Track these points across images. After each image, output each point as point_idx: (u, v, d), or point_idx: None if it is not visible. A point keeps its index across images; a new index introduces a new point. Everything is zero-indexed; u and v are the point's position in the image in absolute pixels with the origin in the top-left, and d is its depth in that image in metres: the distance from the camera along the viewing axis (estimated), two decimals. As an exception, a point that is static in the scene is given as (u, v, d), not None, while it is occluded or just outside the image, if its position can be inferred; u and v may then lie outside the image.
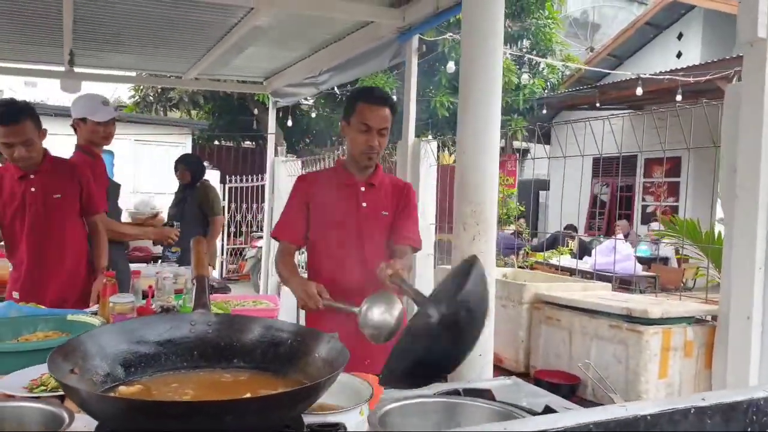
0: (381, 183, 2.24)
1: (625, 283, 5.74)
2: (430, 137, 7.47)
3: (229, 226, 10.34)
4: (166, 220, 4.53)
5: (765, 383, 1.69)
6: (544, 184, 13.05)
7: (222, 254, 9.62)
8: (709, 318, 2.30)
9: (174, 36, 4.51)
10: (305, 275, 2.29)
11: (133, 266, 3.41)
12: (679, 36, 11.76)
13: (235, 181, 10.56)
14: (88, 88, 6.03)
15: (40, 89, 19.90)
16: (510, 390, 1.70)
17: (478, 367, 2.01)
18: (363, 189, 2.20)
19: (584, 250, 7.72)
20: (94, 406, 0.89)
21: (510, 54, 10.70)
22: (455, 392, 1.52)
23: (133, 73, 7.24)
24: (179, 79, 6.19)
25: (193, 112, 12.77)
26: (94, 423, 1.04)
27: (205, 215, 4.93)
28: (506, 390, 1.68)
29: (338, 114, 11.67)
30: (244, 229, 10.60)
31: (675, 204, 10.48)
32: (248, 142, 13.63)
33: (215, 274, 8.33)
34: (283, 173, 6.74)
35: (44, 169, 2.65)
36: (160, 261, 4.40)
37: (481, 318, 1.42)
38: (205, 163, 10.74)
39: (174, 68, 5.80)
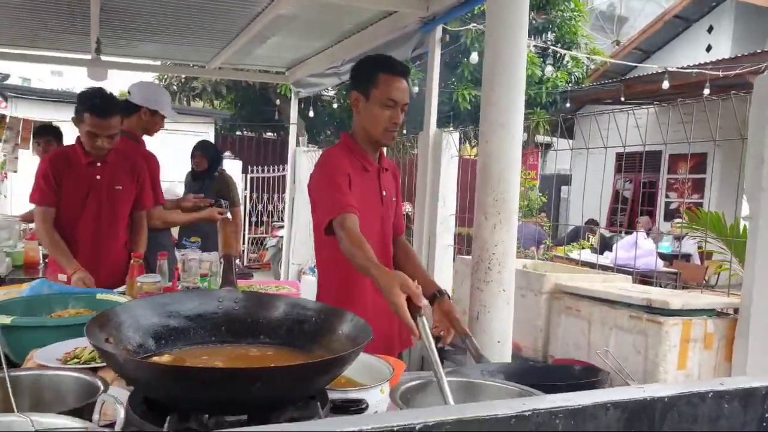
0: (388, 166, 2.10)
1: (646, 279, 5.69)
2: (451, 128, 7.47)
3: (250, 216, 10.46)
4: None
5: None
6: (566, 179, 12.93)
7: (243, 243, 9.74)
8: (730, 311, 2.28)
9: (199, 24, 4.57)
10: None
11: None
12: (710, 29, 11.51)
13: (257, 171, 10.65)
14: (114, 76, 6.14)
15: (66, 78, 20.28)
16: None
17: (497, 353, 2.03)
18: (381, 174, 2.04)
19: (605, 245, 7.66)
20: (131, 372, 0.94)
21: (534, 46, 10.61)
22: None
23: (158, 62, 7.32)
24: (203, 68, 6.27)
25: (216, 102, 12.90)
26: (126, 393, 1.09)
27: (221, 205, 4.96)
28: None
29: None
30: (265, 218, 10.71)
31: (699, 201, 10.31)
32: (269, 133, 13.73)
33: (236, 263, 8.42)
34: (304, 163, 6.79)
35: (110, 159, 2.72)
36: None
37: None
38: (227, 153, 10.87)
39: (198, 57, 5.88)
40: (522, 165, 2.28)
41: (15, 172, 6.35)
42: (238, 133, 13.21)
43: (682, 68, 8.76)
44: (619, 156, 9.16)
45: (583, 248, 7.15)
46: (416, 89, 7.20)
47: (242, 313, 1.27)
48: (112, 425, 0.95)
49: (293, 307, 1.30)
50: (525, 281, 2.76)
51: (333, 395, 1.22)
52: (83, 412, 1.01)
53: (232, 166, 9.71)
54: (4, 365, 1.00)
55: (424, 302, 1.37)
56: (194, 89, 11.90)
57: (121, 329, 1.09)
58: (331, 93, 11.28)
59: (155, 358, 1.10)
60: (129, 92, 3.30)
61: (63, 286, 2.14)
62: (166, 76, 12.07)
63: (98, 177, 2.70)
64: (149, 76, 13.78)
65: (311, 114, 9.19)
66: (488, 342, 2.03)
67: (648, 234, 7.66)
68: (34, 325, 1.73)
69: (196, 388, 0.88)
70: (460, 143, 4.34)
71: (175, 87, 12.11)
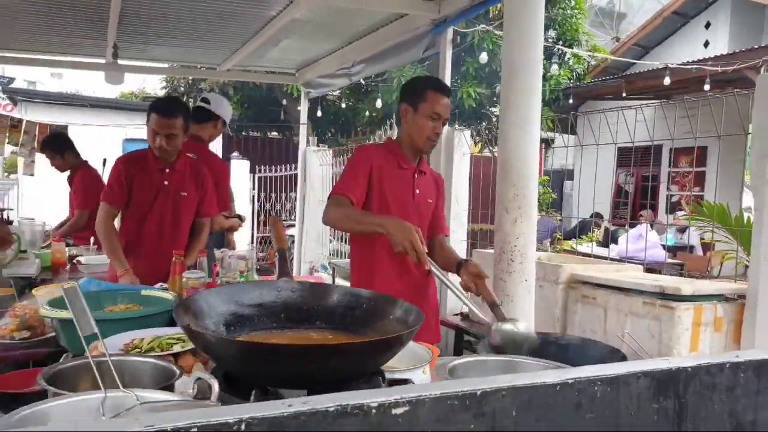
0: (427, 170, 2.35)
1: (653, 271, 5.80)
2: (457, 126, 7.58)
3: (258, 215, 10.57)
4: None
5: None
6: (569, 174, 13.05)
7: (252, 242, 9.85)
8: (738, 297, 2.41)
9: (213, 28, 4.66)
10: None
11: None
12: (707, 25, 11.64)
13: (264, 171, 10.76)
14: (128, 79, 6.24)
15: (66, 80, 20.38)
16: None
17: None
18: (416, 176, 2.27)
19: (610, 239, 7.78)
20: (218, 348, 1.06)
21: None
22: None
23: (167, 65, 7.42)
24: (213, 70, 6.37)
25: (223, 103, 12.96)
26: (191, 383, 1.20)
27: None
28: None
29: (364, 104, 11.84)
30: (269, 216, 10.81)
31: (700, 194, 10.44)
32: (275, 133, 13.83)
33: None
34: (314, 162, 6.90)
35: (178, 167, 2.84)
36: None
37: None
38: (235, 154, 10.96)
39: (210, 60, 5.98)
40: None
41: (32, 175, 6.46)
42: (244, 133, 13.32)
43: (682, 64, 8.87)
44: (620, 150, 9.28)
45: (591, 241, 7.27)
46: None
47: (299, 301, 1.39)
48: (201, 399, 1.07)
49: (345, 294, 1.42)
50: (542, 272, 2.88)
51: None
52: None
53: (239, 166, 9.82)
54: (106, 353, 1.12)
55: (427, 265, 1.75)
56: (201, 90, 12.02)
57: (200, 316, 1.21)
58: (336, 93, 11.38)
59: (231, 341, 1.21)
60: (209, 102, 3.54)
61: (109, 283, 2.25)
62: (173, 78, 12.18)
63: (166, 182, 2.81)
64: (154, 77, 13.95)
65: (319, 114, 9.28)
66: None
67: (651, 226, 7.78)
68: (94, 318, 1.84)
69: (275, 363, 1.00)
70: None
71: (182, 88, 12.23)
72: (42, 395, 1.13)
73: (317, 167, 6.90)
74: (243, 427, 0.60)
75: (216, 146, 5.68)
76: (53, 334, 1.80)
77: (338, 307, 1.39)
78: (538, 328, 3.06)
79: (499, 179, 2.31)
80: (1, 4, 4.15)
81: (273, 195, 10.67)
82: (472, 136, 7.46)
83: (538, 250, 6.92)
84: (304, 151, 6.87)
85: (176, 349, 1.53)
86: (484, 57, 8.27)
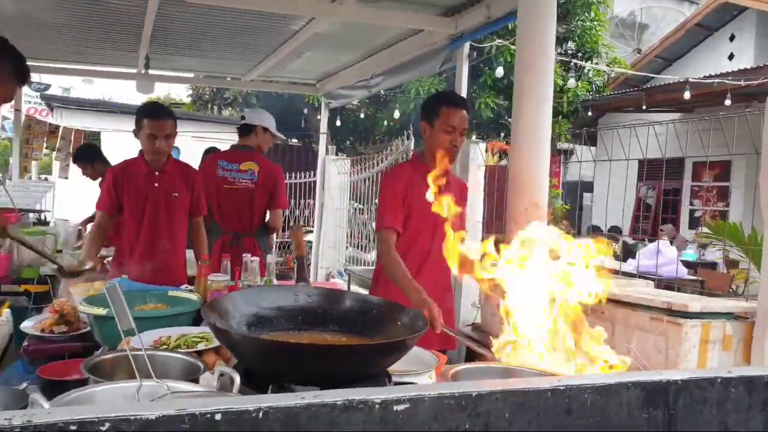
0: (451, 181, 2.47)
1: (669, 287, 5.79)
2: (474, 137, 7.67)
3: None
4: None
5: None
6: (589, 186, 13.01)
7: (272, 248, 10.00)
8: (748, 316, 2.43)
9: (240, 41, 4.85)
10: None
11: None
12: (731, 37, 11.55)
13: (285, 178, 10.91)
14: (157, 88, 6.47)
15: (97, 86, 20.98)
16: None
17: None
18: (440, 187, 2.38)
19: (628, 253, 7.76)
20: (242, 346, 1.17)
21: (555, 56, 10.73)
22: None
23: (193, 74, 7.66)
24: (238, 80, 6.57)
25: (246, 111, 13.23)
26: (215, 376, 1.31)
27: None
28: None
29: (382, 114, 11.97)
30: (291, 223, 10.98)
31: (725, 209, 10.33)
32: (295, 140, 14.04)
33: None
34: (333, 171, 7.04)
35: (168, 169, 3.04)
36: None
37: None
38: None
39: (235, 70, 6.18)
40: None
41: (66, 178, 6.75)
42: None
43: (702, 79, 8.84)
44: (641, 163, 9.25)
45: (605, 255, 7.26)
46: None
47: (315, 306, 1.51)
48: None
49: (357, 300, 1.53)
50: (551, 284, 2.94)
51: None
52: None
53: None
54: (142, 347, 1.25)
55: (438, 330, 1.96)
56: (226, 99, 12.29)
57: (225, 315, 1.33)
58: (356, 102, 11.54)
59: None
60: (245, 117, 3.85)
61: (140, 284, 2.40)
62: (199, 86, 12.48)
63: (156, 185, 2.99)
64: (180, 85, 14.28)
65: (338, 123, 9.44)
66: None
67: (672, 242, 7.75)
68: (124, 316, 1.98)
69: (296, 360, 1.11)
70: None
71: (207, 96, 12.51)
72: (80, 383, 1.26)
73: (335, 175, 7.04)
74: (261, 415, 0.69)
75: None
76: (88, 329, 1.94)
77: (351, 312, 1.50)
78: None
79: (509, 192, 2.40)
80: (42, 19, 4.38)
81: (292, 201, 10.84)
82: (487, 150, 7.53)
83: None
84: (323, 160, 7.02)
85: (200, 347, 1.65)
86: (500, 71, 8.36)
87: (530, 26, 2.51)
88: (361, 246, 7.36)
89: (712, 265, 7.72)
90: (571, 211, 12.07)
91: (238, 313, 1.36)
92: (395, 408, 0.74)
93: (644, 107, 9.53)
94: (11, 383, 1.65)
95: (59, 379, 1.41)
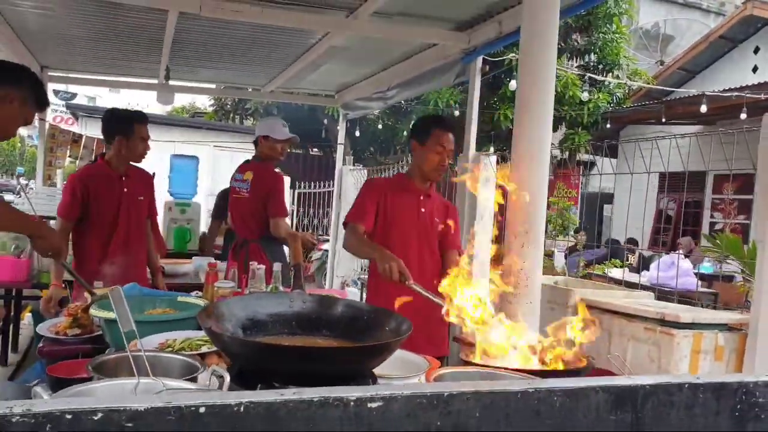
0: (434, 196, 2.71)
1: (684, 300, 5.75)
2: (492, 149, 7.71)
3: (297, 229, 10.90)
4: None
5: (761, 373, 1.86)
6: (609, 198, 12.91)
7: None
8: (742, 327, 2.45)
9: (258, 53, 4.98)
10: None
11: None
12: (756, 50, 11.42)
13: (304, 187, 11.09)
14: (178, 99, 6.65)
15: (123, 95, 21.53)
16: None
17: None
18: (422, 198, 2.62)
19: (645, 265, 7.69)
20: (234, 348, 1.26)
21: (576, 67, 10.73)
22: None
23: (214, 85, 7.84)
24: (258, 91, 6.72)
25: (266, 121, 13.46)
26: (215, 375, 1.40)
27: None
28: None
29: (402, 124, 12.07)
30: (310, 232, 11.13)
31: (746, 222, 10.17)
32: (315, 150, 14.22)
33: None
34: (350, 181, 7.14)
35: (132, 173, 3.17)
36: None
37: None
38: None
39: (254, 82, 6.32)
40: (563, 184, 2.62)
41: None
42: (288, 150, 13.72)
43: (721, 92, 8.75)
44: (662, 175, 9.18)
45: (615, 267, 7.24)
46: (457, 113, 7.46)
47: (309, 312, 1.58)
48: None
49: (348, 307, 1.60)
50: (553, 296, 3.00)
51: (380, 381, 1.51)
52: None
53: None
54: (142, 349, 1.34)
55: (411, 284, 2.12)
56: (247, 109, 12.52)
57: (221, 319, 1.41)
58: (375, 113, 11.67)
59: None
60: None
61: (150, 289, 2.51)
62: (222, 96, 12.75)
63: (125, 189, 3.11)
64: (203, 96, 14.61)
65: (357, 134, 9.55)
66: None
67: (688, 255, 7.66)
68: (135, 320, 2.09)
69: (285, 361, 1.19)
70: (498, 164, 4.56)
71: (228, 106, 12.77)
72: (85, 381, 1.36)
73: (352, 186, 7.14)
74: (242, 409, 0.74)
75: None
76: (101, 332, 2.04)
77: (342, 318, 1.57)
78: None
79: (509, 208, 2.45)
80: (68, 33, 4.57)
81: (311, 210, 10.99)
82: (505, 159, 7.55)
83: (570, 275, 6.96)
84: (341, 170, 7.13)
85: (204, 349, 1.74)
86: (513, 84, 8.39)
87: (532, 46, 2.54)
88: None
89: (730, 278, 7.61)
90: (591, 222, 12.00)
91: (235, 318, 1.44)
92: (369, 405, 0.78)
93: (664, 120, 9.47)
94: (29, 382, 1.76)
95: (67, 377, 1.51)
